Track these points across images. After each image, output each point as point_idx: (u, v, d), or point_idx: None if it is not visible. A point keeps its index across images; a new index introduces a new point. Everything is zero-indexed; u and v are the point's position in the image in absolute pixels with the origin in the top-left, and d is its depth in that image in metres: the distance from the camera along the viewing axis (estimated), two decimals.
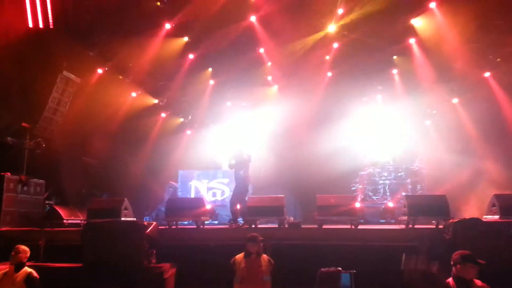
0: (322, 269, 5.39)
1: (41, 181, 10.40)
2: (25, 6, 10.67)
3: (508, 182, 11.31)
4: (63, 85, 11.54)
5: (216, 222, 11.93)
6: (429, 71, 12.79)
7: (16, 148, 10.46)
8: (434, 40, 11.84)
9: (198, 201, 9.13)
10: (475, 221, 6.88)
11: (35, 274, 5.96)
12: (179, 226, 8.69)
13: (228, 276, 5.96)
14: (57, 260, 7.39)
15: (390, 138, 14.04)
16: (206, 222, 8.90)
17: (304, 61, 13.35)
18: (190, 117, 16.21)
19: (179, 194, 13.66)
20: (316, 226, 8.17)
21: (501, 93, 12.62)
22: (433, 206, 7.83)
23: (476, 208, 10.10)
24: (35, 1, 10.77)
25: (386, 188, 12.98)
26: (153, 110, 14.99)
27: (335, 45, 13.09)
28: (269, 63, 14.10)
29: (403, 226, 7.98)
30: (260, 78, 14.81)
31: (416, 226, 7.73)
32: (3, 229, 8.73)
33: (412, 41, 12.53)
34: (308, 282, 5.98)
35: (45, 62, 10.82)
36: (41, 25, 10.80)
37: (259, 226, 8.41)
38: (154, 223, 7.76)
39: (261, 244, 6.02)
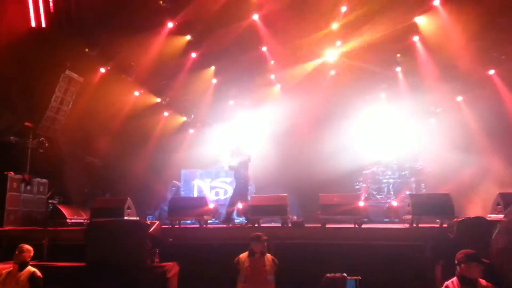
0: (328, 275, 5.32)
1: (44, 180, 10.45)
2: (28, 5, 10.69)
3: None
4: (66, 84, 11.57)
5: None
6: (433, 69, 12.70)
7: (19, 147, 10.49)
8: (438, 38, 11.75)
9: (201, 200, 9.10)
10: (480, 220, 6.79)
11: (38, 273, 5.99)
12: (182, 225, 8.68)
13: (232, 275, 5.94)
14: (60, 259, 7.40)
15: (394, 137, 13.98)
16: (209, 221, 8.89)
17: (306, 60, 13.27)
18: (192, 116, 16.21)
19: (182, 193, 13.68)
20: (320, 225, 8.12)
21: (505, 91, 12.56)
22: (437, 205, 7.75)
23: (481, 206, 10.00)
24: (38, 1, 10.78)
25: (390, 187, 12.91)
26: (155, 109, 14.97)
27: (338, 43, 13.03)
28: (272, 62, 14.04)
29: (407, 225, 7.93)
30: (262, 77, 14.76)
31: (420, 225, 7.69)
32: (7, 228, 8.78)
33: (416, 39, 12.45)
34: (310, 281, 5.94)
35: (47, 62, 10.82)
36: (43, 25, 10.82)
37: (262, 225, 8.39)
38: (157, 222, 7.73)
39: (265, 244, 6.00)
